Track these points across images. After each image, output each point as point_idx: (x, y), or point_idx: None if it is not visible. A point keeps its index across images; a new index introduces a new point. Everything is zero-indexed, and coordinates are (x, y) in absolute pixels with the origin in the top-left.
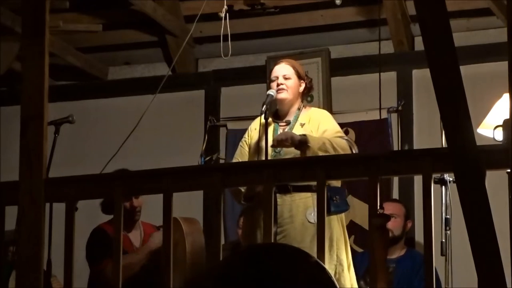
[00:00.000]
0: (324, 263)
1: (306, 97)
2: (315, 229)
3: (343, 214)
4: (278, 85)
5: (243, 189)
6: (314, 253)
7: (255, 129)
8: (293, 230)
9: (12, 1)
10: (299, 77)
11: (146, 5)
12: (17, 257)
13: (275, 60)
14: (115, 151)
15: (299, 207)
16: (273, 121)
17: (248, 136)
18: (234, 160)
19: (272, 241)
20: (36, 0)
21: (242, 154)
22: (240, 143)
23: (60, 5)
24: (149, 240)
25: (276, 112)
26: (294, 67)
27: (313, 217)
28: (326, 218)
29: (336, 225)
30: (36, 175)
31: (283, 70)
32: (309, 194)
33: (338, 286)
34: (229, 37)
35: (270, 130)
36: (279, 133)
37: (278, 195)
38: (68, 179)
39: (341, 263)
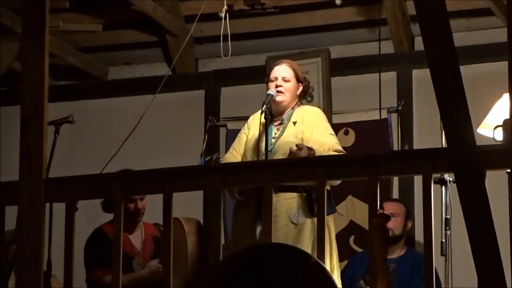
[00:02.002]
0: (324, 263)
1: (303, 99)
2: (298, 230)
3: (330, 218)
4: (276, 86)
5: None
6: None
7: (254, 124)
8: (276, 230)
9: (12, 1)
10: (298, 80)
11: (146, 5)
12: (17, 257)
13: (275, 60)
14: (115, 151)
15: (283, 207)
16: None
17: (247, 128)
18: (231, 150)
19: (261, 236)
20: (36, 0)
21: (240, 144)
22: (239, 134)
23: (60, 5)
24: (142, 270)
25: (270, 112)
26: (294, 70)
27: (296, 218)
28: (311, 220)
29: None
30: (36, 175)
31: (283, 72)
32: (294, 194)
33: (338, 287)
34: (229, 37)
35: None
36: (274, 133)
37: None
38: (68, 179)
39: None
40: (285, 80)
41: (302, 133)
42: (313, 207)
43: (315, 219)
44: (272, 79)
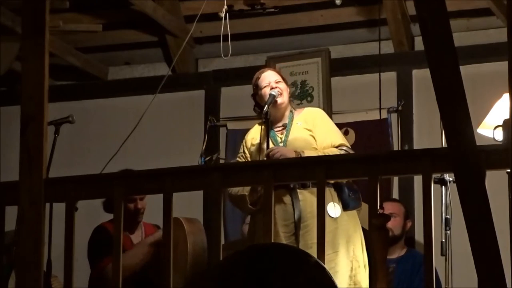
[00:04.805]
0: (324, 263)
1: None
2: (336, 223)
3: (356, 212)
4: (272, 88)
5: (246, 192)
6: (336, 246)
7: (253, 138)
8: (314, 225)
9: (12, 1)
10: (285, 82)
11: (146, 5)
12: (17, 257)
13: (275, 60)
14: (115, 151)
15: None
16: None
17: (244, 150)
18: None
19: (296, 235)
20: (36, 0)
21: None
22: (237, 159)
23: (60, 5)
24: (149, 235)
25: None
26: (279, 73)
27: (334, 212)
28: (344, 213)
29: (352, 221)
30: (36, 175)
31: (272, 76)
32: (326, 188)
33: (337, 286)
34: (229, 37)
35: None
36: (279, 138)
37: (298, 190)
38: (68, 179)
39: (357, 259)
40: (277, 82)
41: (310, 132)
42: (348, 201)
43: (348, 213)
44: (265, 85)
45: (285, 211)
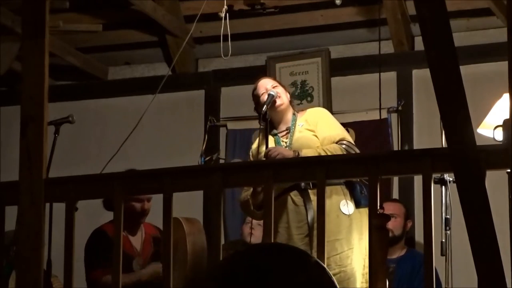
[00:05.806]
0: (324, 263)
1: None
2: (350, 220)
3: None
4: (268, 90)
5: (249, 197)
6: (351, 243)
7: (257, 146)
8: (328, 223)
9: (12, 1)
10: (283, 87)
11: (146, 5)
12: (17, 257)
13: (275, 60)
14: (115, 151)
15: (331, 200)
16: (273, 135)
17: (251, 156)
18: (246, 191)
19: (309, 236)
20: (36, 0)
21: None
22: None
23: (60, 5)
24: (143, 271)
25: (271, 124)
26: (275, 80)
27: (347, 209)
28: (357, 211)
29: (365, 218)
30: (36, 175)
31: (268, 83)
32: (338, 186)
33: (338, 286)
34: (229, 37)
35: (272, 143)
36: (284, 143)
37: (310, 191)
38: (68, 179)
39: None
40: (273, 86)
41: (312, 132)
42: (360, 198)
43: (361, 210)
44: (262, 91)
45: (298, 212)
